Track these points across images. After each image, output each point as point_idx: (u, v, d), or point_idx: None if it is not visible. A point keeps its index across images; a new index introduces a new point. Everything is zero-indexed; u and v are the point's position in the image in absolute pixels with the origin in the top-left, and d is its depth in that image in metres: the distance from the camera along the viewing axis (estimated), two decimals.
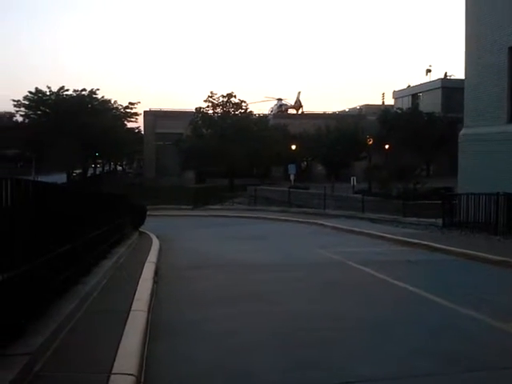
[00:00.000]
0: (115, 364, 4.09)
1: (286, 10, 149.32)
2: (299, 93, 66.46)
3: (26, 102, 52.08)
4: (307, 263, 10.40)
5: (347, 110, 68.64)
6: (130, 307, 5.91)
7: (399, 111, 53.92)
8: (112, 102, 58.00)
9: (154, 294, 7.11)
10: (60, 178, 43.12)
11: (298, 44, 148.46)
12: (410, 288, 7.65)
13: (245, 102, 50.57)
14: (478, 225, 13.98)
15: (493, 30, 15.36)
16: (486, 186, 14.43)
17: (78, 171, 59.00)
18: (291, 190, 32.01)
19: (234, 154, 44.68)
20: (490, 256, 9.97)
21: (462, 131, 17.07)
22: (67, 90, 52.62)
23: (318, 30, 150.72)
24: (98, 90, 54.65)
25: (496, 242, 12.34)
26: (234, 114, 49.99)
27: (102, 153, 61.32)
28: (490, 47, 15.46)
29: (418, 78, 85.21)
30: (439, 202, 16.38)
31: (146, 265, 9.01)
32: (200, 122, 49.44)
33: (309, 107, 66.15)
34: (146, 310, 5.99)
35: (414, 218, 18.17)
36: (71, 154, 49.43)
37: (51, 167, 54.18)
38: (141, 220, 15.97)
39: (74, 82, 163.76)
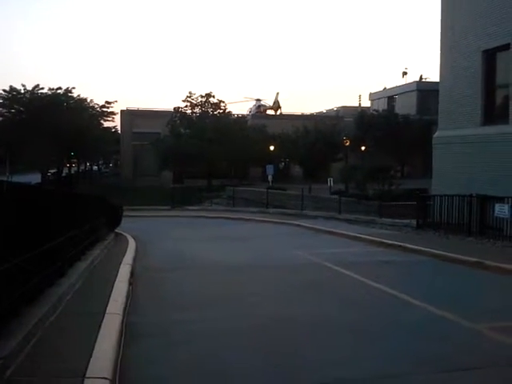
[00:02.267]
0: (89, 367, 4.04)
1: (266, 12, 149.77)
2: (277, 94, 66.80)
3: (0, 100, 50.94)
4: (284, 264, 10.43)
5: (325, 111, 69.20)
6: (105, 309, 5.84)
7: (375, 113, 54.64)
8: (88, 100, 57.22)
9: (129, 296, 7.04)
10: (34, 178, 42.34)
11: (277, 45, 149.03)
12: (386, 289, 7.74)
13: (223, 102, 50.56)
14: (452, 226, 14.25)
15: (467, 33, 15.68)
16: (459, 187, 14.73)
17: (52, 171, 57.96)
18: (269, 190, 32.08)
19: (213, 154, 44.56)
20: (464, 257, 10.17)
21: (436, 133, 17.38)
22: (42, 89, 51.69)
23: (296, 31, 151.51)
24: (73, 88, 53.86)
25: (469, 242, 12.60)
26: (213, 114, 49.89)
27: (77, 152, 60.38)
28: (464, 51, 15.77)
29: (395, 81, 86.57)
30: (414, 203, 16.63)
31: (121, 266, 8.91)
32: (178, 121, 49.17)
33: (287, 108, 66.49)
34: (122, 312, 5.93)
35: (390, 219, 18.41)
36: (46, 154, 48.56)
37: (25, 167, 53.13)
38: (117, 221, 15.79)
39: (49, 81, 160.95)
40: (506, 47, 14.07)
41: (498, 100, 15.18)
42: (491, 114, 15.10)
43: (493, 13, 14.51)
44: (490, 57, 14.96)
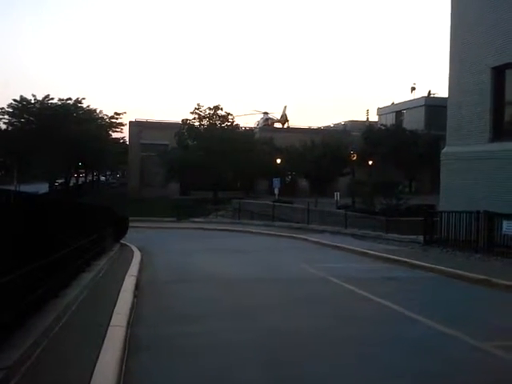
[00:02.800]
0: (92, 380, 4.02)
1: (274, 26, 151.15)
2: (285, 107, 67.11)
3: (10, 110, 51.54)
4: (290, 278, 10.39)
5: (332, 125, 69.34)
6: (109, 321, 5.82)
7: (383, 128, 54.63)
8: (97, 111, 57.77)
9: (133, 308, 7.02)
10: (42, 188, 42.60)
11: (286, 59, 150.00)
12: (391, 305, 7.67)
13: (231, 114, 50.83)
14: (459, 242, 14.12)
15: (476, 50, 15.70)
16: (467, 203, 14.63)
17: (60, 181, 58.32)
18: (275, 204, 32.07)
19: (219, 166, 44.69)
20: (471, 274, 10.06)
21: (445, 149, 17.33)
22: (52, 99, 52.33)
23: (305, 46, 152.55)
24: (83, 99, 54.49)
25: (476, 260, 12.48)
26: (221, 126, 50.10)
27: (85, 162, 60.83)
28: (473, 67, 15.78)
29: (403, 96, 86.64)
30: (421, 219, 16.54)
31: (126, 278, 8.90)
32: (186, 133, 49.42)
33: (294, 122, 66.59)
34: (126, 324, 5.91)
35: (396, 235, 18.31)
36: (54, 164, 48.95)
37: (33, 176, 53.54)
38: (123, 232, 15.82)
39: (59, 91, 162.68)
40: None
41: (507, 117, 15.15)
42: (500, 130, 15.06)
43: (502, 29, 14.54)
44: (499, 73, 14.96)
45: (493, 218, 13.55)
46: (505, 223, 12.56)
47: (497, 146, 14.71)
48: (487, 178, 14.79)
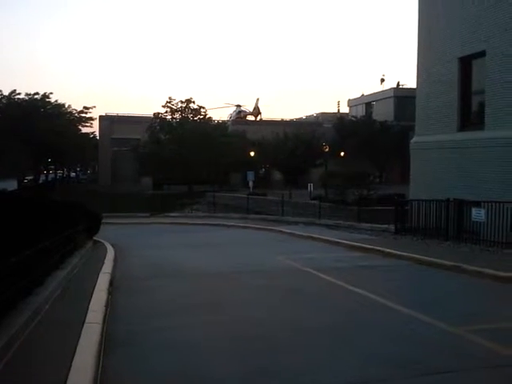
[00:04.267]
0: (69, 379, 3.98)
1: (245, 19, 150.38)
2: (258, 99, 67.10)
3: None
4: (266, 270, 10.44)
5: (304, 117, 69.76)
6: (85, 319, 5.76)
7: (354, 119, 55.26)
8: (66, 106, 56.53)
9: (108, 305, 6.95)
10: (10, 185, 41.49)
11: (258, 51, 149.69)
12: (364, 293, 7.81)
13: (204, 107, 50.55)
14: (430, 230, 14.43)
15: (443, 41, 15.98)
16: (436, 192, 14.96)
17: (29, 177, 56.97)
18: (250, 196, 32.10)
19: (193, 160, 44.42)
20: (441, 261, 10.31)
21: (414, 139, 17.64)
22: (19, 94, 50.95)
23: (276, 38, 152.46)
24: (51, 93, 53.25)
25: (447, 247, 12.79)
26: (193, 119, 49.75)
27: (54, 158, 59.52)
28: (440, 58, 16.06)
29: (373, 87, 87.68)
30: (392, 208, 16.82)
31: (100, 275, 8.80)
32: (158, 127, 48.92)
33: (267, 114, 66.73)
34: (101, 321, 5.85)
35: (369, 224, 18.58)
36: (22, 160, 47.77)
37: (1, 173, 52.13)
38: (95, 228, 15.57)
39: (26, 86, 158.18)
40: (481, 54, 14.38)
41: (474, 106, 15.49)
42: (467, 120, 15.41)
43: (469, 20, 14.83)
44: (465, 64, 15.27)
45: (462, 206, 13.90)
46: (474, 210, 12.89)
47: (465, 135, 15.06)
48: (456, 166, 15.14)
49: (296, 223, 21.88)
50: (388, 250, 12.10)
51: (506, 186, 13.08)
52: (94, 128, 61.75)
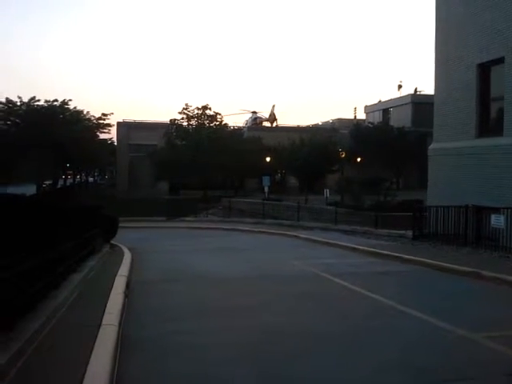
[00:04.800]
0: (85, 381, 3.99)
1: (263, 25, 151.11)
2: (274, 106, 67.14)
3: None
4: (282, 275, 10.40)
5: (320, 123, 69.51)
6: (101, 322, 5.80)
7: (370, 125, 54.95)
8: (84, 112, 57.30)
9: (124, 308, 6.99)
10: (30, 190, 42.13)
11: (274, 58, 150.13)
12: (383, 300, 7.73)
13: (220, 114, 50.70)
14: (448, 237, 14.25)
15: (462, 47, 15.83)
16: (454, 198, 14.77)
17: (48, 182, 57.81)
18: (265, 202, 32.08)
19: (208, 165, 44.59)
20: (460, 267, 10.17)
21: (432, 145, 17.47)
22: (38, 101, 51.70)
23: (293, 44, 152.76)
24: (70, 100, 53.95)
25: (465, 253, 12.60)
26: (209, 126, 49.99)
27: (73, 164, 60.31)
28: (459, 64, 15.91)
29: (390, 93, 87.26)
30: (409, 214, 16.66)
31: (116, 278, 8.85)
32: (174, 133, 49.25)
33: (283, 120, 66.92)
34: (117, 324, 5.88)
35: (386, 230, 18.42)
36: (41, 165, 48.50)
37: (21, 178, 52.97)
38: (112, 232, 15.70)
39: (45, 93, 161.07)
40: (500, 61, 14.21)
41: (493, 113, 15.29)
42: (486, 126, 15.21)
43: (487, 26, 14.68)
44: (484, 70, 15.10)
45: (481, 212, 13.70)
46: (493, 217, 12.70)
47: (483, 142, 14.86)
48: (474, 172, 14.93)
49: (312, 228, 21.78)
50: (405, 256, 11.97)
51: None
52: (111, 134, 62.49)
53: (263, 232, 21.47)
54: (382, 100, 60.85)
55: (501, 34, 14.13)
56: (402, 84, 61.53)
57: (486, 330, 5.96)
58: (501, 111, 14.51)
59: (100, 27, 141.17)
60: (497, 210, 12.81)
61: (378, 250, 13.30)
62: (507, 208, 12.37)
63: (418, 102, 52.53)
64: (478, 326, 6.17)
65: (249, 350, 5.40)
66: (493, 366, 4.79)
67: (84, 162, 59.55)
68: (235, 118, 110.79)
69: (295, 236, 18.80)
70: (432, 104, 17.60)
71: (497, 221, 12.51)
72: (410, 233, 15.95)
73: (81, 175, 74.56)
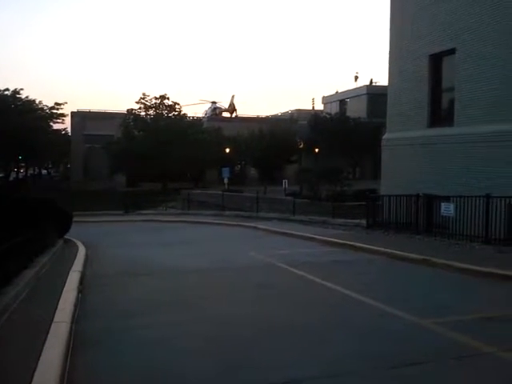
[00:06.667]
0: (35, 379, 3.91)
1: (220, 15, 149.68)
2: (233, 96, 66.86)
3: None
4: (240, 267, 10.45)
5: (280, 114, 69.82)
6: (53, 318, 5.67)
7: (328, 116, 55.68)
8: (37, 102, 55.31)
9: (78, 303, 6.85)
10: None
11: (233, 48, 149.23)
12: (339, 288, 7.89)
13: (178, 104, 50.13)
14: (400, 225, 14.69)
15: (414, 38, 16.23)
16: (407, 187, 15.22)
17: (0, 175, 55.63)
18: (225, 193, 32.03)
19: (167, 156, 44.03)
20: (412, 255, 10.51)
21: (385, 135, 17.89)
22: None
23: (251, 34, 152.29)
24: (21, 89, 51.97)
25: (417, 241, 13.03)
26: (168, 116, 49.31)
27: (25, 156, 58.18)
28: (411, 55, 16.30)
29: (348, 85, 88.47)
30: (364, 203, 17.03)
31: (70, 273, 8.66)
32: (132, 123, 48.31)
33: (242, 111, 66.41)
34: (70, 320, 5.77)
35: (342, 219, 18.79)
36: None
37: None
38: (66, 227, 15.26)
39: None
40: (451, 52, 14.66)
41: (444, 103, 15.79)
42: (437, 116, 15.70)
43: (439, 18, 15.09)
44: (436, 61, 15.54)
45: (431, 201, 14.19)
46: (443, 205, 13.16)
47: (434, 132, 15.35)
48: (426, 162, 15.42)
49: (270, 219, 21.94)
50: (360, 245, 12.26)
51: (473, 182, 13.38)
52: (65, 124, 60.66)
53: (222, 224, 21.45)
54: (340, 91, 61.69)
55: (452, 26, 14.58)
56: (358, 75, 62.66)
57: (435, 315, 6.19)
58: (452, 102, 15.02)
59: (53, 13, 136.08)
60: (447, 199, 13.29)
61: (334, 240, 13.55)
62: (457, 196, 12.86)
63: (374, 93, 53.56)
64: (429, 311, 6.39)
65: (207, 341, 5.41)
66: (441, 351, 4.98)
67: (37, 154, 57.54)
68: (194, 108, 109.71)
69: (254, 227, 18.88)
70: (387, 95, 17.99)
71: (446, 209, 12.99)
72: (364, 222, 16.32)
73: (34, 167, 72.04)
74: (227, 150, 45.64)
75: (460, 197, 12.70)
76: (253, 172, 53.04)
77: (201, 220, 23.15)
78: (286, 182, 33.63)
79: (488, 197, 11.78)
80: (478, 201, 12.08)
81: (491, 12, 13.23)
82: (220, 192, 32.51)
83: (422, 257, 10.16)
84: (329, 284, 8.22)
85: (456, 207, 12.73)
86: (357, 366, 4.63)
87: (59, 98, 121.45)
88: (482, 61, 13.45)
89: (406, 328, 5.78)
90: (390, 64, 17.64)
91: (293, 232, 16.14)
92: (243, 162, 54.28)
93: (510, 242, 11.32)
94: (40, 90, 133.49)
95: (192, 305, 7.12)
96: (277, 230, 17.32)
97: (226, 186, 36.87)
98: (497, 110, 13.01)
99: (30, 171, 70.07)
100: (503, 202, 11.70)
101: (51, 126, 59.31)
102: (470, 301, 7.13)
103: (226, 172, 37.91)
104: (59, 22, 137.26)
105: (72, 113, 55.54)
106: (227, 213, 26.48)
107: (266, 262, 10.80)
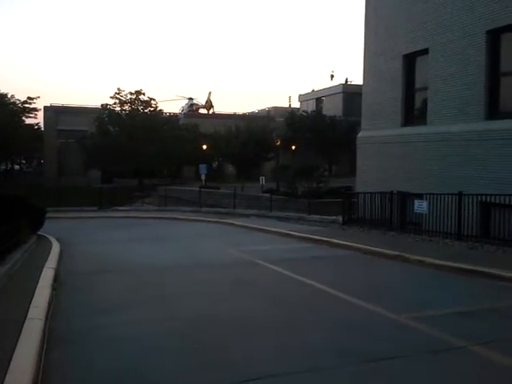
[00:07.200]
0: (7, 377, 3.85)
1: (198, 10, 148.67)
2: (210, 93, 66.62)
3: None
4: (217, 263, 10.44)
5: (257, 111, 69.88)
6: (26, 315, 5.59)
7: (304, 114, 56.02)
8: (9, 96, 53.99)
9: (52, 301, 6.75)
10: None
11: (210, 44, 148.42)
12: (315, 284, 7.96)
13: (154, 99, 49.64)
14: (375, 221, 14.91)
15: (389, 38, 16.44)
16: (382, 185, 15.45)
17: None
18: (202, 189, 31.94)
19: (143, 152, 43.59)
20: (386, 250, 10.69)
21: (360, 134, 18.11)
22: None
23: (229, 31, 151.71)
24: None
25: (391, 237, 13.25)
26: (143, 111, 48.79)
27: None
28: (386, 55, 16.51)
29: (324, 83, 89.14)
30: (340, 200, 17.24)
31: (44, 270, 8.52)
32: (106, 118, 47.63)
33: (219, 107, 66.54)
34: (44, 317, 5.69)
35: (318, 216, 18.99)
36: None
37: None
38: (39, 223, 15.01)
39: None
40: (425, 52, 14.91)
41: (418, 102, 16.05)
42: (411, 115, 15.96)
43: (413, 18, 15.31)
44: (410, 61, 15.78)
45: (405, 198, 14.44)
46: (416, 202, 13.42)
47: (408, 130, 15.60)
48: (399, 160, 15.67)
49: (248, 216, 22.00)
50: (335, 241, 12.41)
51: (445, 180, 13.67)
52: (38, 119, 59.38)
53: (200, 220, 21.41)
54: (316, 89, 62.10)
55: (426, 26, 14.82)
56: (334, 74, 63.31)
57: (409, 310, 6.30)
58: (425, 101, 15.28)
59: (25, 6, 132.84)
60: (420, 196, 13.55)
61: (310, 236, 13.68)
62: (430, 194, 13.12)
63: (349, 92, 54.15)
64: (403, 307, 6.50)
65: (182, 338, 5.41)
66: (415, 345, 5.07)
67: (8, 149, 56.18)
68: (171, 104, 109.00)
69: (231, 223, 18.91)
70: (361, 94, 18.19)
71: (420, 206, 13.24)
72: (340, 218, 16.52)
73: (6, 163, 70.31)
74: (204, 147, 45.44)
75: (433, 194, 12.96)
76: (230, 169, 52.97)
77: (178, 216, 23.04)
78: (263, 179, 33.74)
79: (460, 194, 12.05)
80: (450, 198, 12.35)
81: (463, 13, 13.50)
82: (197, 188, 32.41)
83: (396, 253, 10.34)
84: (306, 280, 8.28)
85: (429, 204, 12.99)
86: (333, 360, 4.69)
87: (32, 93, 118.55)
88: (454, 61, 13.73)
89: (381, 323, 5.88)
90: (364, 63, 17.83)
91: (270, 228, 16.22)
92: (220, 159, 54.15)
93: (481, 239, 11.61)
94: (12, 85, 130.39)
95: (167, 302, 7.08)
96: (254, 226, 17.38)
97: (204, 183, 36.77)
98: (468, 109, 13.31)
99: (3, 166, 68.40)
100: (475, 199, 11.99)
101: (24, 121, 57.98)
102: (445, 296, 7.28)
103: (203, 168, 37.81)
104: (32, 14, 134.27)
105: (45, 107, 54.43)
106: (204, 209, 26.43)
107: (243, 259, 10.83)
